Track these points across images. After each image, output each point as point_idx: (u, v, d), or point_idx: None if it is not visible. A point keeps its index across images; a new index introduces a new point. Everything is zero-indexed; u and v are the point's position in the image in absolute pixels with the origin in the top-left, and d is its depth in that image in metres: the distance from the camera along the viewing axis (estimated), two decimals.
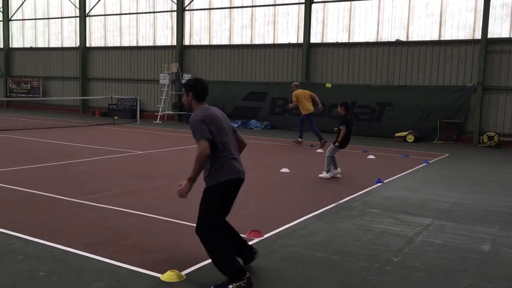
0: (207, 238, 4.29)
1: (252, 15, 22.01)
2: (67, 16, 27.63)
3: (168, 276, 4.32)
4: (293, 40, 21.18)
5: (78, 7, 26.77)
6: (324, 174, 9.65)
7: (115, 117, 23.01)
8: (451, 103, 17.80)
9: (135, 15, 25.20)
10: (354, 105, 18.97)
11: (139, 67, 25.28)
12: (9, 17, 29.76)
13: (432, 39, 18.34)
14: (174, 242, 5.40)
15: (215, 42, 23.08)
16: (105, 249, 5.07)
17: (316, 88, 20.25)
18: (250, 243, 5.41)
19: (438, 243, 5.69)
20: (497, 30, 17.29)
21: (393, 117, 18.70)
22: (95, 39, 26.89)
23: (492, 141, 16.91)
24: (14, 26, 29.95)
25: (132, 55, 25.50)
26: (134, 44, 25.47)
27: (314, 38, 20.62)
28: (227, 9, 22.51)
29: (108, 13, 26.11)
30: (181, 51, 23.76)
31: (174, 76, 23.73)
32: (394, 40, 19.03)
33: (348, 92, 19.23)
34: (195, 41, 23.63)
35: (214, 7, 22.81)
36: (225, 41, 22.79)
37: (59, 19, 28.05)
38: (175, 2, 23.60)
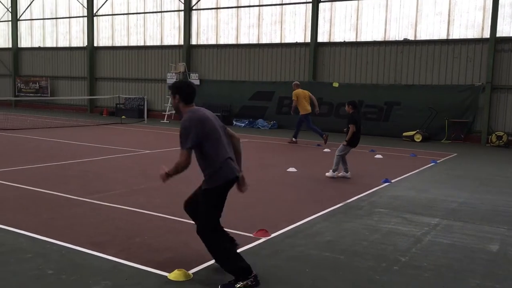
0: (208, 239, 4.31)
1: (259, 15, 22.00)
2: (75, 16, 27.76)
3: (175, 275, 4.32)
4: (300, 39, 21.14)
5: (86, 7, 26.89)
6: (330, 173, 9.60)
7: (123, 117, 23.10)
8: (460, 102, 17.69)
9: (143, 14, 25.28)
10: (362, 105, 18.89)
11: (147, 67, 25.35)
12: (18, 17, 29.95)
13: (440, 38, 18.24)
14: (181, 241, 5.41)
15: (222, 41, 23.09)
16: (112, 248, 5.08)
17: (323, 87, 20.27)
18: (257, 242, 5.41)
19: (446, 243, 5.66)
20: (505, 29, 17.16)
21: (401, 116, 18.61)
22: (102, 39, 27.00)
23: (501, 141, 16.79)
24: (22, 26, 30.14)
25: (140, 54, 25.58)
26: (142, 44, 25.54)
27: (321, 37, 20.57)
28: (234, 9, 22.51)
29: (116, 13, 26.20)
30: (188, 51, 23.80)
31: (181, 76, 23.76)
32: (402, 39, 18.94)
33: (356, 91, 19.17)
34: (202, 41, 23.66)
35: (221, 6, 22.82)
36: (232, 41, 22.80)
37: (67, 19, 28.19)
38: (182, 1, 23.64)
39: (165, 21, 24.71)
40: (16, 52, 30.31)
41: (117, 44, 26.48)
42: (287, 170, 10.24)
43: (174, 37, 24.52)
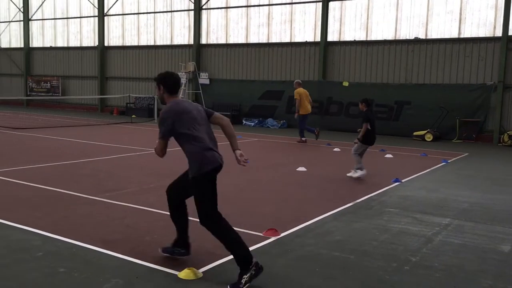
0: (213, 226, 4.40)
1: (269, 14, 21.99)
2: (86, 15, 27.96)
3: (186, 273, 4.34)
4: (310, 38, 21.10)
5: (96, 6, 27.06)
6: (352, 173, 9.38)
7: (133, 116, 23.22)
8: (471, 102, 17.56)
9: (153, 14, 25.39)
10: (372, 104, 18.79)
11: (157, 66, 25.44)
12: (29, 17, 30.22)
13: (452, 37, 18.11)
14: (192, 239, 5.42)
15: (231, 40, 23.12)
16: (123, 246, 5.11)
17: (333, 86, 20.23)
18: (266, 241, 5.42)
19: (457, 243, 5.62)
20: None
21: (411, 115, 18.51)
22: (113, 38, 27.15)
23: None
24: (34, 26, 30.41)
25: (150, 54, 25.69)
26: (152, 43, 25.66)
27: (331, 37, 20.52)
28: (244, 8, 22.53)
29: (126, 13, 26.34)
30: (198, 50, 23.85)
31: (191, 75, 23.85)
32: (413, 38, 18.84)
33: (366, 90, 19.07)
34: (212, 40, 23.71)
35: (231, 5, 22.85)
36: (241, 40, 22.82)
37: (78, 19, 28.39)
38: (192, 1, 23.70)
39: (175, 21, 24.79)
40: (27, 51, 30.58)
41: (128, 43, 26.62)
42: (297, 169, 10.23)
43: (184, 37, 24.60)
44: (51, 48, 29.76)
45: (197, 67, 23.65)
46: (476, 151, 14.73)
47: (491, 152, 14.90)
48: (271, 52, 21.99)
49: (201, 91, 23.52)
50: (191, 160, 4.43)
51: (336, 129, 19.80)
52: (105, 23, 27.11)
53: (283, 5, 21.57)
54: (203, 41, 23.92)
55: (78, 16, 28.30)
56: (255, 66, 22.48)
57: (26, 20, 30.27)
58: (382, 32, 19.49)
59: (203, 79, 23.59)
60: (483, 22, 17.59)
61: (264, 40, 22.22)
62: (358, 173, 9.32)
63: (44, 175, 8.83)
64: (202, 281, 4.28)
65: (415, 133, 17.70)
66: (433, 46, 18.45)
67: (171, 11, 24.80)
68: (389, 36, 19.34)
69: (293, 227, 5.99)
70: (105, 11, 26.91)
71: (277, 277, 4.45)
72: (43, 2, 29.50)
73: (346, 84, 19.90)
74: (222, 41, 23.42)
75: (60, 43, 29.41)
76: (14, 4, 30.74)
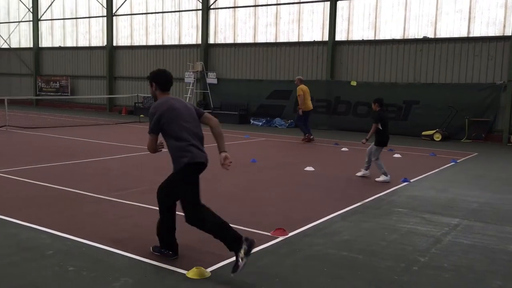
0: (197, 220, 4.52)
1: (276, 13, 21.97)
2: (94, 15, 28.10)
3: (194, 272, 4.35)
4: (318, 38, 21.06)
5: (105, 6, 27.19)
6: (382, 178, 9.13)
7: (141, 115, 23.28)
8: (480, 101, 17.43)
9: (161, 14, 25.46)
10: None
11: (165, 66, 25.48)
12: (39, 17, 30.42)
13: (461, 36, 17.99)
14: (199, 239, 5.44)
15: (239, 40, 23.13)
16: (132, 245, 5.14)
17: (341, 86, 20.18)
18: (275, 241, 5.42)
19: (466, 244, 5.59)
20: None
21: (420, 115, 18.42)
22: (121, 38, 27.27)
23: None
24: (43, 26, 30.61)
25: (158, 54, 25.77)
26: (160, 43, 25.73)
27: (339, 36, 20.46)
28: (251, 7, 22.53)
29: (135, 13, 26.44)
30: (205, 50, 23.89)
31: (199, 75, 23.89)
32: (422, 37, 18.74)
33: (374, 90, 18.99)
34: (220, 40, 23.73)
35: (239, 5, 22.86)
36: (249, 39, 22.83)
37: (87, 19, 28.54)
38: (200, 1, 23.74)
39: (183, 20, 24.85)
40: (37, 51, 30.80)
41: (136, 43, 26.73)
42: (305, 169, 10.22)
43: (192, 36, 24.65)
44: (60, 48, 29.94)
45: (205, 67, 23.69)
46: (485, 151, 14.63)
47: (500, 152, 14.79)
48: (279, 52, 21.98)
49: (209, 91, 23.56)
50: (174, 155, 4.57)
51: (344, 128, 19.75)
52: (113, 23, 27.23)
53: (291, 5, 21.55)
54: (211, 40, 23.95)
55: (87, 16, 28.45)
56: (263, 65, 22.47)
57: (36, 20, 30.47)
58: (390, 31, 19.41)
59: (211, 78, 23.62)
60: (492, 21, 17.46)
61: (272, 40, 22.21)
62: (382, 178, 9.16)
63: (53, 174, 8.89)
64: (210, 281, 4.29)
65: (423, 133, 17.60)
66: (442, 45, 18.35)
67: (179, 11, 24.86)
68: (398, 36, 19.26)
69: (301, 227, 5.99)
70: (113, 11, 27.03)
71: (285, 276, 4.45)
72: (52, 3, 29.69)
73: (354, 83, 19.84)
74: (230, 40, 23.44)
75: (69, 43, 29.58)
76: (24, 5, 30.96)
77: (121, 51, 27.29)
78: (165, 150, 4.79)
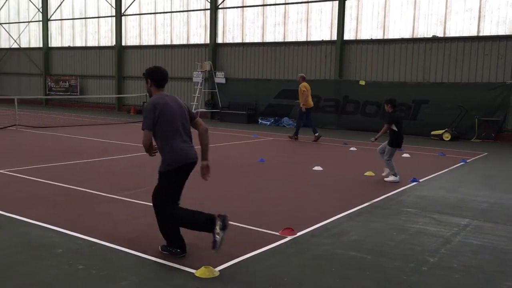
0: (170, 219, 4.72)
1: (285, 13, 21.95)
2: (103, 15, 28.24)
3: (202, 272, 4.36)
4: (326, 37, 21.01)
5: (114, 6, 27.31)
6: (392, 178, 9.08)
7: None
8: (490, 101, 17.29)
9: (169, 14, 25.53)
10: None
11: (173, 66, 25.59)
12: (48, 17, 30.63)
13: (471, 35, 17.86)
14: (208, 238, 5.44)
15: (248, 40, 23.14)
16: (141, 244, 5.16)
17: (349, 85, 20.12)
18: (283, 241, 5.41)
19: (476, 244, 5.55)
20: None
21: (429, 114, 18.30)
22: (130, 38, 27.38)
23: None
24: (53, 26, 30.81)
25: (166, 53, 25.84)
26: (168, 43, 25.80)
27: (348, 35, 20.39)
28: (260, 7, 22.52)
29: (143, 12, 26.53)
30: (214, 49, 23.92)
31: (207, 74, 23.93)
32: (431, 36, 18.63)
33: (383, 89, 18.94)
34: (228, 39, 23.75)
35: (247, 5, 22.86)
36: (258, 39, 22.82)
37: (96, 19, 28.69)
38: (209, 0, 23.77)
39: (192, 20, 24.90)
40: (46, 51, 31.01)
41: (145, 43, 26.82)
42: (313, 168, 10.20)
43: (200, 36, 24.69)
44: (69, 48, 30.13)
45: (213, 66, 23.72)
46: (495, 151, 14.52)
47: (510, 151, 14.66)
48: (287, 51, 21.96)
49: (217, 90, 23.58)
50: (162, 155, 4.71)
51: (352, 128, 19.69)
52: (122, 23, 27.35)
53: (299, 4, 21.51)
54: (219, 40, 23.98)
55: (96, 16, 28.60)
56: (271, 65, 22.46)
57: (45, 20, 30.68)
58: (399, 30, 19.31)
59: (219, 78, 23.64)
60: (502, 20, 17.31)
61: (280, 39, 22.19)
62: (391, 178, 9.08)
63: (63, 173, 8.94)
64: (219, 280, 4.30)
65: (433, 133, 17.50)
66: (452, 44, 18.23)
67: (187, 11, 24.91)
68: (407, 35, 19.16)
69: (309, 227, 5.98)
70: (122, 11, 27.14)
71: (293, 276, 4.44)
72: (61, 3, 29.87)
73: (362, 83, 19.77)
74: (238, 40, 23.45)
75: (78, 43, 29.75)
76: (34, 5, 31.19)
77: (129, 51, 27.40)
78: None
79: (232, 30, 23.56)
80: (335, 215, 6.55)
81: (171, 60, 25.66)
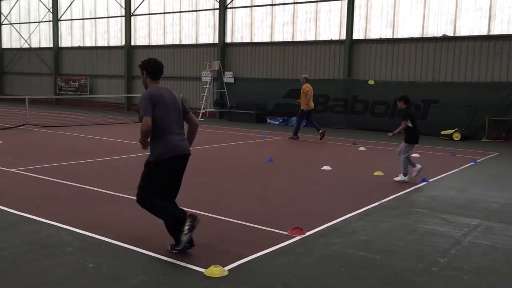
0: (149, 208, 4.85)
1: (293, 12, 21.92)
2: (113, 15, 28.38)
3: (211, 271, 4.37)
4: (335, 36, 20.95)
5: (123, 6, 27.43)
6: (400, 177, 9.01)
7: None
8: (501, 100, 17.14)
9: (178, 13, 25.60)
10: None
11: (182, 65, 25.66)
12: (58, 18, 30.83)
13: (481, 34, 17.72)
14: (217, 237, 5.46)
15: (256, 39, 23.13)
16: (151, 243, 5.18)
17: (358, 85, 20.04)
18: (292, 240, 5.40)
19: (486, 245, 5.51)
20: None
21: (439, 114, 18.18)
22: (139, 38, 27.49)
23: None
24: (63, 26, 31.01)
25: (175, 53, 25.91)
26: (177, 43, 25.87)
27: (357, 34, 20.32)
28: (268, 6, 22.51)
29: (152, 12, 26.62)
30: (223, 49, 23.95)
31: (215, 74, 23.96)
32: (441, 35, 18.51)
33: (392, 89, 18.83)
34: (237, 39, 23.76)
35: (256, 4, 22.86)
36: (266, 38, 22.81)
37: (106, 19, 28.83)
38: (217, 0, 23.80)
39: (201, 20, 24.94)
40: (56, 51, 31.22)
41: (154, 43, 26.91)
42: (322, 168, 10.18)
43: (209, 36, 24.73)
44: (79, 47, 30.31)
45: (222, 66, 23.75)
46: (506, 151, 14.39)
47: None
48: (296, 51, 21.92)
49: (225, 90, 23.61)
50: (153, 144, 4.75)
51: (361, 128, 19.61)
52: (131, 23, 27.46)
53: (308, 3, 21.47)
54: (228, 40, 24.00)
55: (106, 16, 28.74)
56: (280, 64, 22.44)
57: (55, 20, 30.89)
58: (409, 29, 19.21)
59: (228, 77, 23.67)
60: None
61: (289, 39, 22.16)
62: (400, 178, 9.01)
63: (72, 172, 9.00)
64: (227, 279, 4.30)
65: (442, 132, 17.39)
66: (462, 43, 18.10)
67: (196, 11, 24.96)
68: (416, 34, 19.05)
69: (319, 226, 5.97)
70: (131, 11, 27.26)
71: (302, 276, 4.44)
72: (71, 3, 30.06)
73: (371, 82, 19.69)
74: (247, 39, 23.45)
75: (88, 43, 29.92)
76: (44, 5, 31.42)
77: (139, 51, 27.50)
78: None
79: (241, 30, 23.57)
80: (344, 215, 6.54)
81: (180, 60, 25.73)
